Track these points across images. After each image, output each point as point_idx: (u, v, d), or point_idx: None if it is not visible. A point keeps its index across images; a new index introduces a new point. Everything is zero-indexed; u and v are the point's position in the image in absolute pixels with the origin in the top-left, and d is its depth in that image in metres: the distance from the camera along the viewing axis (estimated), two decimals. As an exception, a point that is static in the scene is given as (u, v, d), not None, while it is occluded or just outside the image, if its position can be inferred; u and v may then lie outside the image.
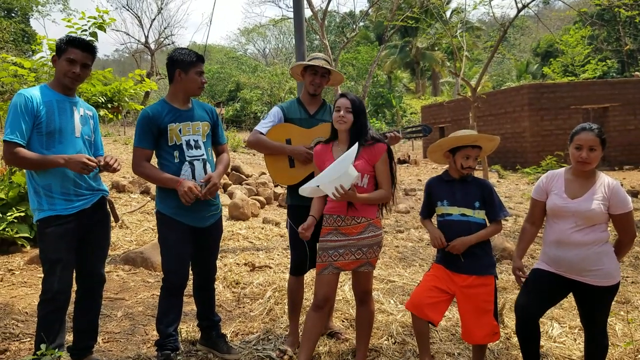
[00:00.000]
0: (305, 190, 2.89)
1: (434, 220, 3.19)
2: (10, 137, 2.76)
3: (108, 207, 3.21)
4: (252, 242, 6.81)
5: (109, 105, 6.43)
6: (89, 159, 2.81)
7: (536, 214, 2.97)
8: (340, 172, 2.69)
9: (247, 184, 10.23)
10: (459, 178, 3.04)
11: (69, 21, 5.79)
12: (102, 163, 2.94)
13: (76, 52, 2.90)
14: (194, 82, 3.16)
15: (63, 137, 2.89)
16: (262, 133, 3.44)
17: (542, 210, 2.91)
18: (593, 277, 2.70)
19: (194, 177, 3.13)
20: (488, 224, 3.05)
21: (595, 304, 2.76)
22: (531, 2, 11.56)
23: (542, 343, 2.96)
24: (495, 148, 3.12)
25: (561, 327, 3.84)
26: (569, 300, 4.06)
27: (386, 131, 3.43)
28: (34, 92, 2.87)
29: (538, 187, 2.93)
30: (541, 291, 2.84)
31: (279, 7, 46.52)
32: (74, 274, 3.05)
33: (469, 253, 2.94)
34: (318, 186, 2.81)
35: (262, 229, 7.65)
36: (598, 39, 30.61)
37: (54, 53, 2.98)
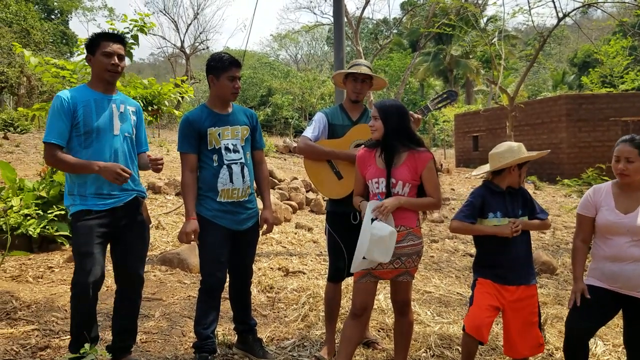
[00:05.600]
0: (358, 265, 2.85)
1: None
2: (49, 138, 2.84)
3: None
4: (285, 247, 6.82)
5: (149, 108, 6.55)
6: (123, 170, 2.84)
7: (587, 231, 2.89)
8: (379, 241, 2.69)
9: (280, 189, 10.26)
10: (506, 189, 3.00)
11: (111, 24, 5.94)
12: (150, 158, 3.08)
13: (109, 44, 2.94)
14: (226, 88, 3.17)
15: (100, 136, 2.93)
16: (310, 139, 3.39)
17: (592, 226, 2.84)
18: None
19: (231, 180, 3.15)
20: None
21: None
22: (572, 11, 11.34)
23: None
24: None
25: (605, 345, 3.72)
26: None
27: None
28: (71, 93, 2.92)
29: (586, 203, 2.86)
30: (594, 308, 2.76)
31: (314, 13, 46.74)
32: (114, 275, 3.09)
33: (519, 260, 2.92)
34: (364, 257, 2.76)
35: (295, 234, 7.66)
36: (638, 49, 29.74)
37: (87, 53, 3.01)
